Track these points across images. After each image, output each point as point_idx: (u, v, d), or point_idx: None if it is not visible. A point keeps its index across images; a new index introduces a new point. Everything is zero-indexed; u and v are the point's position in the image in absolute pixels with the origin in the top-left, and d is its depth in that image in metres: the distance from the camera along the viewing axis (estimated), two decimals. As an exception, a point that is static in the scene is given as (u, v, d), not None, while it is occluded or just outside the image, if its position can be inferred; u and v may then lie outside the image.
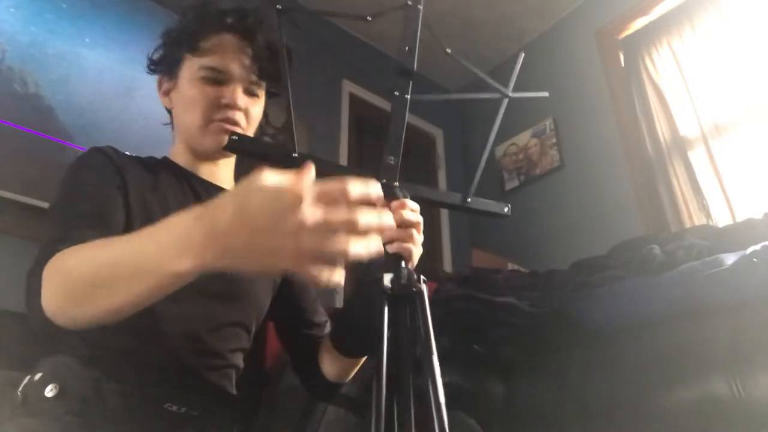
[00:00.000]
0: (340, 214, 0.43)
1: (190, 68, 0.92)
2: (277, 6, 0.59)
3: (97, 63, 1.96)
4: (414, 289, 0.54)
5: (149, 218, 0.82)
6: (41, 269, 0.65)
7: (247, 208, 0.44)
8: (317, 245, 0.43)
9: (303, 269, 0.44)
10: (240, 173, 1.07)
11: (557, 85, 3.03)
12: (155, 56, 0.99)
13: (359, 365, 0.89)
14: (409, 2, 0.66)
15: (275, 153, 0.60)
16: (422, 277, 0.55)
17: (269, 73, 0.94)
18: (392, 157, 0.65)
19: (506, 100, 0.72)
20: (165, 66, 0.97)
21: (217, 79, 0.90)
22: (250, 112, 0.94)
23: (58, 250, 0.66)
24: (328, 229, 0.43)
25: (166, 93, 0.98)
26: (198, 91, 0.90)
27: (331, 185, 0.44)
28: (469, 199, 0.72)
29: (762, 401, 1.00)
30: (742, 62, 2.31)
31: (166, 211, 0.85)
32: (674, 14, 2.63)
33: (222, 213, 0.46)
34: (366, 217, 0.44)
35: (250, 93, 0.93)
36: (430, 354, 0.49)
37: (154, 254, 0.52)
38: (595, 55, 2.91)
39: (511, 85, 0.73)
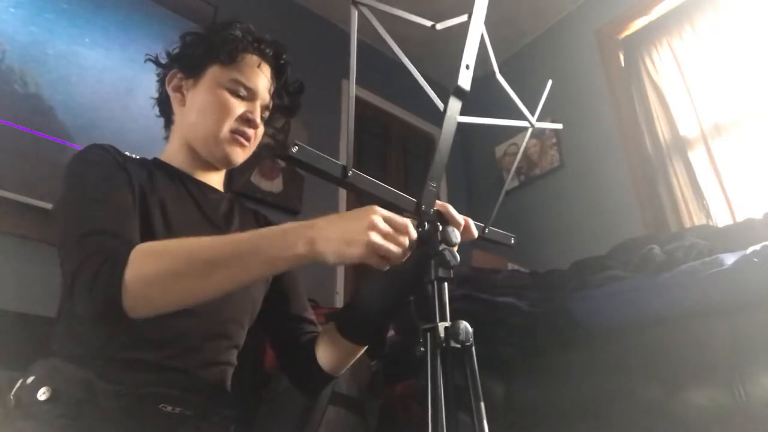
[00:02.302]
0: (398, 227, 0.63)
1: (218, 76, 0.95)
2: None
3: (97, 63, 1.96)
4: (467, 344, 0.60)
5: (149, 220, 0.82)
6: (100, 256, 0.67)
7: (347, 213, 0.64)
8: (380, 242, 0.61)
9: (368, 257, 0.61)
10: (232, 176, 1.09)
11: (557, 85, 3.01)
12: (176, 51, 1.00)
13: (356, 356, 0.89)
14: (476, 13, 0.66)
15: (332, 168, 0.61)
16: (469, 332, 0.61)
17: (281, 107, 1.04)
18: (434, 184, 0.67)
19: (530, 129, 0.80)
20: (188, 64, 0.98)
21: (241, 94, 0.95)
22: (257, 134, 0.99)
23: (126, 239, 0.71)
24: (388, 234, 0.62)
25: (178, 89, 0.98)
26: (223, 100, 0.94)
27: (399, 218, 0.64)
28: (486, 230, 0.81)
29: (762, 401, 1.00)
30: (742, 62, 2.31)
31: (164, 212, 0.85)
32: (674, 14, 2.62)
33: (327, 217, 0.65)
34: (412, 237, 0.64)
35: (261, 117, 0.99)
36: (479, 403, 0.58)
37: (270, 241, 0.66)
38: (595, 55, 2.90)
39: (537, 113, 0.80)
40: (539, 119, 0.80)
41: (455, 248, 0.65)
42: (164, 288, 0.66)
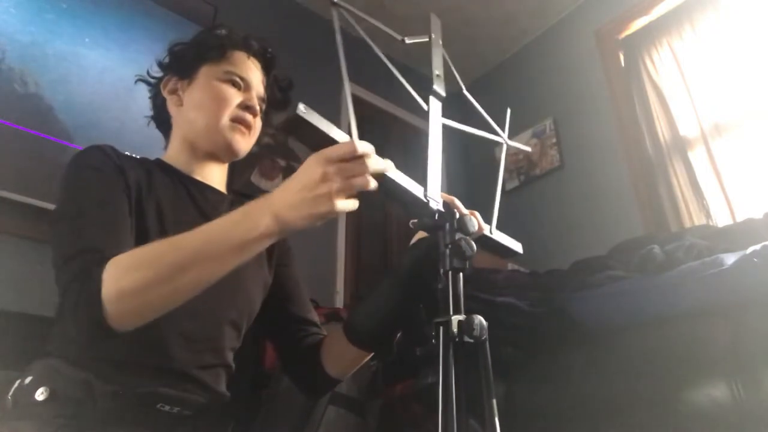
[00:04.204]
0: (350, 164, 0.60)
1: (212, 71, 0.97)
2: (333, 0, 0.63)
3: (97, 63, 1.96)
4: (483, 339, 0.57)
5: (142, 220, 0.82)
6: (80, 280, 0.67)
7: (295, 176, 0.62)
8: (343, 185, 0.59)
9: (341, 206, 0.59)
10: (232, 176, 1.09)
11: (557, 85, 3.02)
12: (166, 60, 1.02)
13: (363, 361, 0.88)
14: (433, 36, 0.74)
15: (339, 137, 0.62)
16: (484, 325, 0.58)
17: (272, 101, 1.05)
18: (435, 174, 0.69)
19: (505, 146, 0.87)
20: (179, 67, 0.99)
21: (236, 83, 0.97)
22: (257, 123, 1.00)
23: (103, 256, 0.69)
24: (344, 173, 0.59)
25: (173, 92, 0.99)
26: (220, 91, 0.95)
27: (342, 146, 0.61)
28: (492, 232, 0.80)
29: (762, 402, 0.99)
30: (742, 62, 2.31)
31: (159, 213, 0.85)
32: (674, 14, 2.62)
33: (280, 188, 0.63)
34: (371, 163, 0.61)
35: (259, 108, 1.00)
36: (491, 401, 0.56)
37: (235, 227, 0.65)
38: (595, 55, 2.90)
39: (506, 133, 0.88)
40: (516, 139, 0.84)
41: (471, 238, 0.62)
42: (142, 299, 0.66)
